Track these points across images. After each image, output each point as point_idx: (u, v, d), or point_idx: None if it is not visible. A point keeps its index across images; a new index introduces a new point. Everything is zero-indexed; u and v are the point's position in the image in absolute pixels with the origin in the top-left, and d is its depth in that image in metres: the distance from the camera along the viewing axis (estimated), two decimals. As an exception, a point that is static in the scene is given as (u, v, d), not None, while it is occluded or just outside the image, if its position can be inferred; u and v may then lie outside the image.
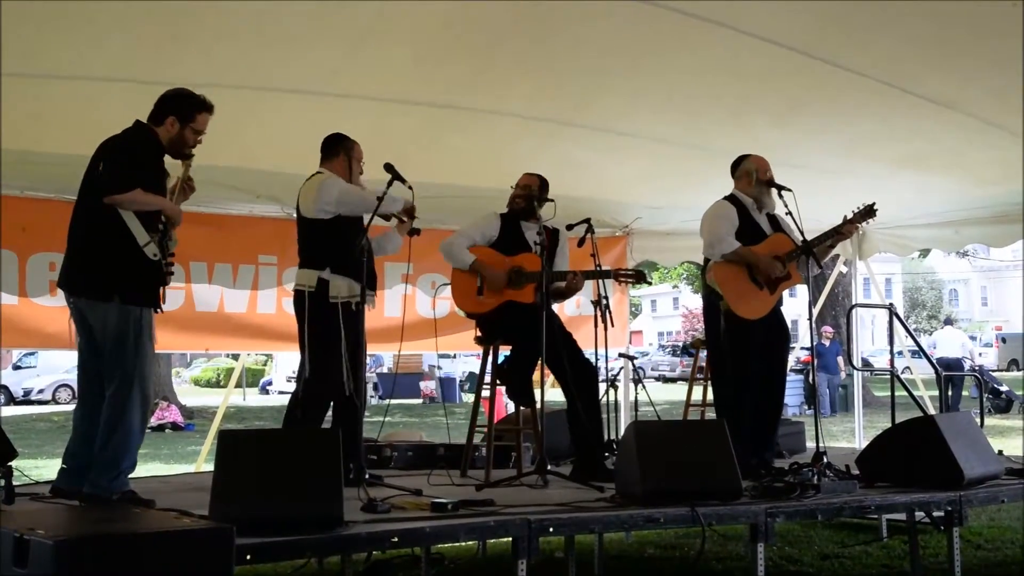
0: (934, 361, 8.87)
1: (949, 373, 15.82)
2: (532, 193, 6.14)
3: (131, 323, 4.72)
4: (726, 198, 6.23)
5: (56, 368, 28.51)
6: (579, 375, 5.93)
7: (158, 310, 4.90)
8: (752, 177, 6.17)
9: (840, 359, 20.26)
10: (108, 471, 4.68)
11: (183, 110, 4.85)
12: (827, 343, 20.23)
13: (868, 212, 6.17)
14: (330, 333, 5.53)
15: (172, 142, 4.85)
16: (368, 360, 6.68)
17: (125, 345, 4.71)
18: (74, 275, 4.82)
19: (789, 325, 6.46)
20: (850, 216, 6.17)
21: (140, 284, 4.76)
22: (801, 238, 6.00)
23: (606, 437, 6.57)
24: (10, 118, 5.29)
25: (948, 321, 24.69)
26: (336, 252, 5.58)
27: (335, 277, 5.56)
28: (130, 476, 4.84)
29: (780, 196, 5.95)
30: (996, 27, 5.18)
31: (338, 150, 5.72)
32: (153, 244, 4.71)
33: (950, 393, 16.77)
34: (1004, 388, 20.93)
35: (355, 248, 5.42)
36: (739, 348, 6.01)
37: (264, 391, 34.95)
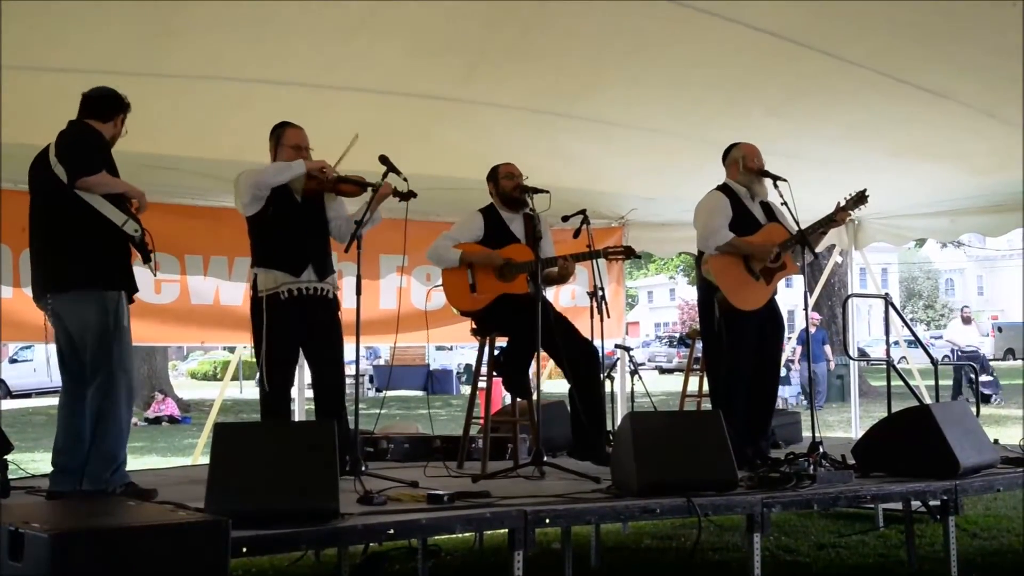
0: (930, 351, 8.86)
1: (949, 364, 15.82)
2: (522, 182, 6.12)
3: (110, 314, 4.72)
4: (719, 188, 6.22)
5: (54, 363, 28.39)
6: (578, 355, 5.92)
7: (135, 292, 4.93)
8: (739, 165, 6.18)
9: (827, 348, 20.08)
10: (107, 465, 4.67)
11: (126, 111, 4.94)
12: (812, 330, 20.09)
13: (860, 199, 6.15)
14: (259, 329, 5.50)
15: (112, 139, 4.92)
16: (364, 352, 6.64)
17: (108, 339, 4.71)
18: (48, 275, 4.82)
19: (784, 315, 6.46)
20: (842, 203, 6.17)
21: (118, 267, 4.79)
22: (796, 227, 6.00)
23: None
24: (5, 111, 5.28)
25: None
26: (259, 246, 5.59)
27: (260, 270, 5.54)
28: (127, 469, 4.83)
29: (776, 186, 5.95)
30: (992, 18, 5.18)
31: (271, 141, 5.68)
32: (132, 221, 4.73)
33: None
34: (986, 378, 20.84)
35: (287, 235, 5.45)
36: (734, 339, 6.02)
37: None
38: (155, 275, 5.03)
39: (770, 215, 6.22)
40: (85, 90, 4.92)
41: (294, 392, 6.21)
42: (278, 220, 5.50)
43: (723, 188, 6.21)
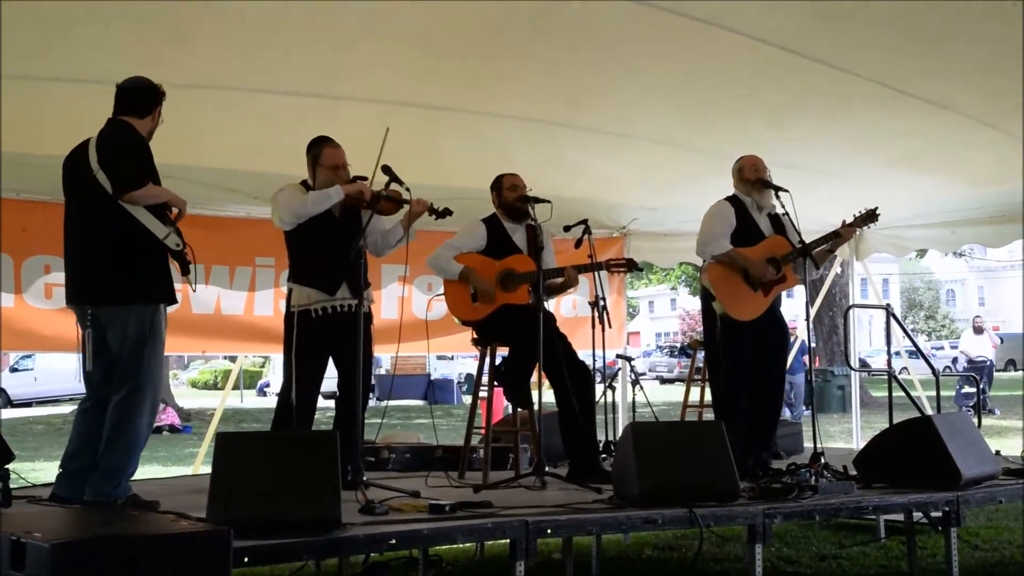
0: (931, 361, 8.86)
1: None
2: (526, 193, 6.12)
3: (149, 326, 4.71)
4: (727, 198, 6.24)
5: (54, 371, 28.40)
6: (575, 378, 5.92)
7: (175, 302, 4.95)
8: (738, 177, 6.20)
9: (805, 358, 19.88)
10: (111, 478, 4.67)
11: (162, 99, 4.88)
12: (797, 339, 19.84)
13: (870, 216, 6.12)
14: (289, 343, 5.54)
15: (151, 132, 4.87)
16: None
17: (141, 351, 4.70)
18: (89, 284, 4.77)
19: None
20: (850, 220, 6.12)
21: (160, 280, 4.79)
22: (799, 239, 6.00)
23: (604, 438, 6.56)
24: (6, 120, 5.29)
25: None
26: (295, 261, 5.65)
27: (295, 286, 5.60)
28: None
29: (777, 197, 5.95)
30: (991, 27, 5.19)
31: (308, 156, 5.68)
32: (173, 234, 4.72)
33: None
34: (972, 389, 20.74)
35: (323, 253, 5.46)
36: (733, 349, 6.03)
37: (262, 393, 34.91)
38: (194, 289, 5.05)
39: (778, 227, 6.21)
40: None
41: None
42: (315, 238, 5.54)
43: (731, 198, 6.22)
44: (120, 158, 4.66)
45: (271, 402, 5.93)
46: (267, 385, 34.93)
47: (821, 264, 6.32)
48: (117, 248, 4.67)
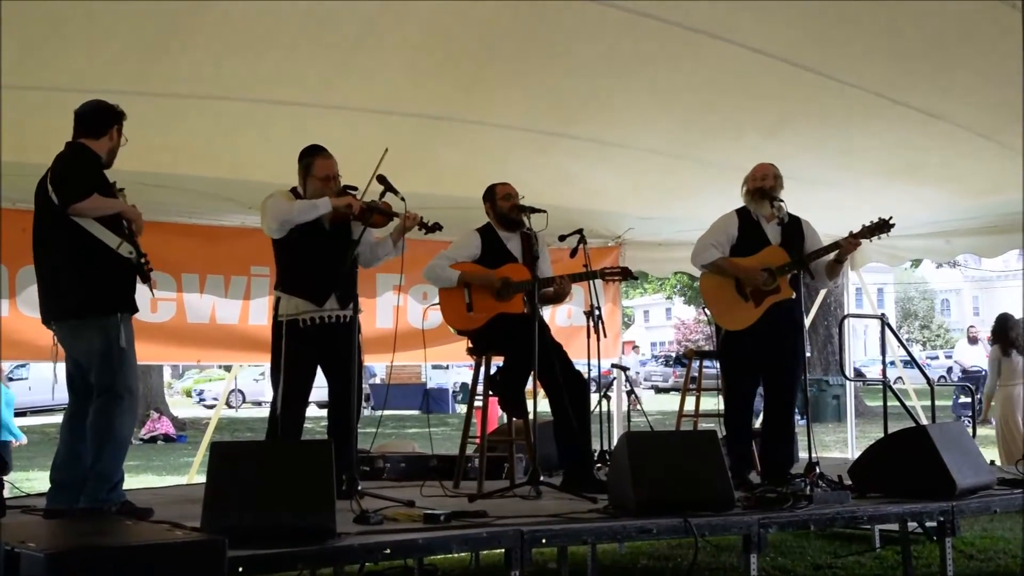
0: (926, 371, 8.87)
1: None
2: (520, 203, 6.11)
3: (111, 337, 4.75)
4: (737, 209, 6.19)
5: (49, 381, 28.29)
6: (570, 387, 5.92)
7: (135, 311, 4.95)
8: (743, 188, 6.18)
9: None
10: (104, 484, 4.69)
11: (120, 120, 4.93)
12: None
13: (882, 226, 5.87)
14: (277, 352, 5.54)
15: (111, 152, 4.93)
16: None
17: (109, 360, 4.75)
18: (49, 302, 4.88)
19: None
20: (855, 230, 5.97)
21: (116, 290, 4.81)
22: (806, 249, 5.94)
23: (599, 448, 6.55)
24: (5, 130, 5.29)
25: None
26: (284, 271, 5.64)
27: (284, 295, 5.59)
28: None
29: (772, 206, 5.95)
30: (986, 39, 5.22)
31: (299, 165, 5.65)
32: (126, 243, 4.75)
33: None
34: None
35: (312, 264, 5.45)
36: (730, 358, 6.03)
37: (200, 399, 34.61)
38: (152, 294, 5.07)
39: (791, 235, 6.07)
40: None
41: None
42: (304, 248, 5.52)
43: (739, 209, 6.16)
44: (65, 173, 4.74)
45: (264, 412, 5.93)
46: (201, 392, 34.85)
47: (832, 277, 6.21)
48: (71, 263, 4.75)
